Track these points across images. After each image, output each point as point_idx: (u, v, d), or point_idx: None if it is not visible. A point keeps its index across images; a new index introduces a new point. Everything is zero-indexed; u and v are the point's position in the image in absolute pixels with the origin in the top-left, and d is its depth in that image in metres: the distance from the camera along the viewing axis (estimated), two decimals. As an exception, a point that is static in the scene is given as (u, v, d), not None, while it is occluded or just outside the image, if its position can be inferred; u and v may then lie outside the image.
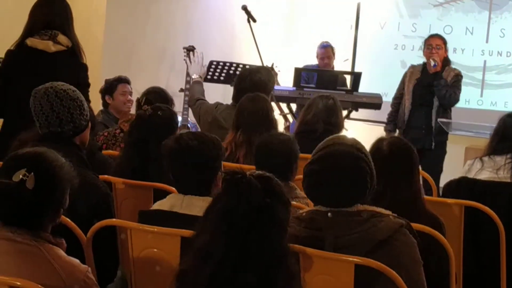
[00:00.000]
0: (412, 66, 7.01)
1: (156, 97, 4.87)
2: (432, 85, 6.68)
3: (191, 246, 2.18)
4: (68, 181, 2.56)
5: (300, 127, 5.04)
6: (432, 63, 6.70)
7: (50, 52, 4.70)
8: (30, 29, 4.76)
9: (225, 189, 2.18)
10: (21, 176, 2.42)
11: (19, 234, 2.45)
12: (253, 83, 5.22)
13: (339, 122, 5.04)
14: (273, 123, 4.73)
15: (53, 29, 4.73)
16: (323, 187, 2.74)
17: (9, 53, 4.80)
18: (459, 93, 6.74)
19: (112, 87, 6.17)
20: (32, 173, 2.44)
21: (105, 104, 6.19)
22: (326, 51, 8.29)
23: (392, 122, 7.00)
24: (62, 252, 2.50)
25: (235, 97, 5.27)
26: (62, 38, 4.73)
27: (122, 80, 6.20)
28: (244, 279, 2.06)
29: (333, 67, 8.32)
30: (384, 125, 7.19)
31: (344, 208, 2.72)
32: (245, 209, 2.10)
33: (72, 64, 4.73)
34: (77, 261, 2.51)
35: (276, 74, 8.03)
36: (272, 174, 3.54)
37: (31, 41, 4.72)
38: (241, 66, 6.97)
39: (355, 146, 2.79)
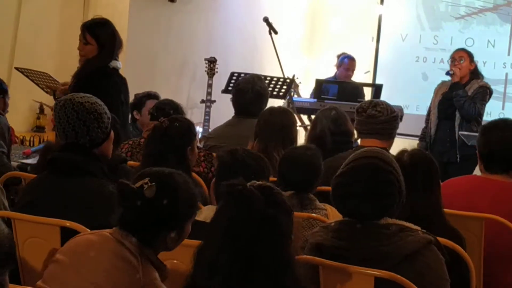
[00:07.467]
0: (443, 82, 6.98)
1: (166, 104, 4.82)
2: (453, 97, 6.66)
3: (198, 259, 2.17)
4: (189, 209, 2.54)
5: (309, 143, 5.03)
6: (451, 72, 6.69)
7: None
8: (113, 53, 5.09)
9: (227, 201, 2.16)
10: (141, 183, 2.45)
11: (128, 239, 2.46)
12: (255, 93, 5.28)
13: (348, 129, 4.99)
14: (290, 136, 4.67)
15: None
16: (349, 200, 2.75)
17: (121, 80, 5.11)
18: (481, 105, 6.67)
19: (141, 103, 6.16)
20: (154, 184, 2.45)
21: (133, 118, 6.18)
22: (353, 63, 8.29)
23: (424, 139, 6.96)
24: (157, 276, 2.46)
25: (239, 111, 5.32)
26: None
27: (151, 96, 6.18)
28: None
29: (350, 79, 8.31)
30: (412, 138, 7.12)
31: (371, 220, 2.73)
32: (248, 221, 2.08)
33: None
34: None
35: (297, 86, 8.05)
36: (294, 187, 3.60)
37: (114, 63, 5.07)
38: (262, 77, 6.96)
39: (383, 159, 2.79)
